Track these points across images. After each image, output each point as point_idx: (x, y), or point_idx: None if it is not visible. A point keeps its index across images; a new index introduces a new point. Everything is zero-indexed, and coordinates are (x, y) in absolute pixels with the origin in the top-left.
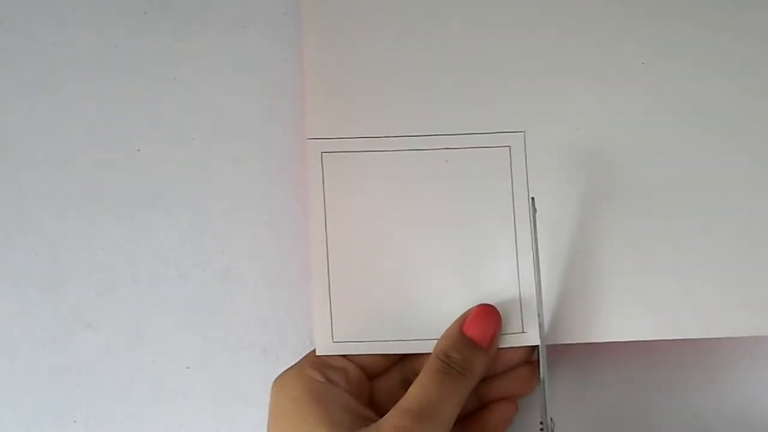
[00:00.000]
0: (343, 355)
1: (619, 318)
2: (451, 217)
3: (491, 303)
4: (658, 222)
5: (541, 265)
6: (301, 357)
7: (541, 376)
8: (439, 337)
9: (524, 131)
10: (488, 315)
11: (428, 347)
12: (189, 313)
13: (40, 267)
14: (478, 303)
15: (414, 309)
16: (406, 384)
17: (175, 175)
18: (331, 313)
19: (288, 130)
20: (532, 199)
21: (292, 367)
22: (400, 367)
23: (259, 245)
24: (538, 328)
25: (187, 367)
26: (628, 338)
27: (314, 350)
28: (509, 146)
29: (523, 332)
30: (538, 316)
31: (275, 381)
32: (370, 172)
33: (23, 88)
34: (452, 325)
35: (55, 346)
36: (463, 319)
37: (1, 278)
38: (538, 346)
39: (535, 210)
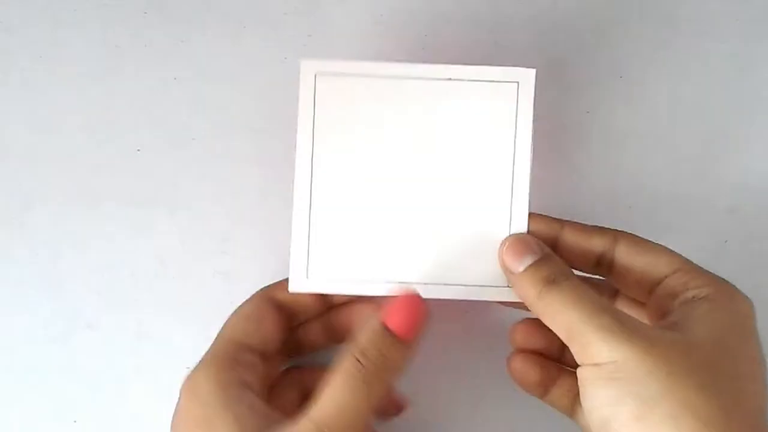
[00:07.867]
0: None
1: None
2: (445, 155)
3: (472, 253)
4: None
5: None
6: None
7: None
8: (419, 280)
9: (536, 68)
10: (412, 305)
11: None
12: (189, 313)
13: (40, 267)
14: (463, 250)
15: (395, 250)
16: (326, 332)
17: (175, 175)
18: (308, 248)
19: (288, 129)
20: None
21: (201, 363)
22: (324, 319)
23: (259, 245)
24: None
25: (187, 367)
26: None
27: (221, 343)
28: (517, 82)
29: (507, 286)
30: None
31: (186, 381)
32: (364, 99)
33: (23, 88)
34: (371, 318)
35: (55, 346)
36: (385, 311)
37: (1, 278)
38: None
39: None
